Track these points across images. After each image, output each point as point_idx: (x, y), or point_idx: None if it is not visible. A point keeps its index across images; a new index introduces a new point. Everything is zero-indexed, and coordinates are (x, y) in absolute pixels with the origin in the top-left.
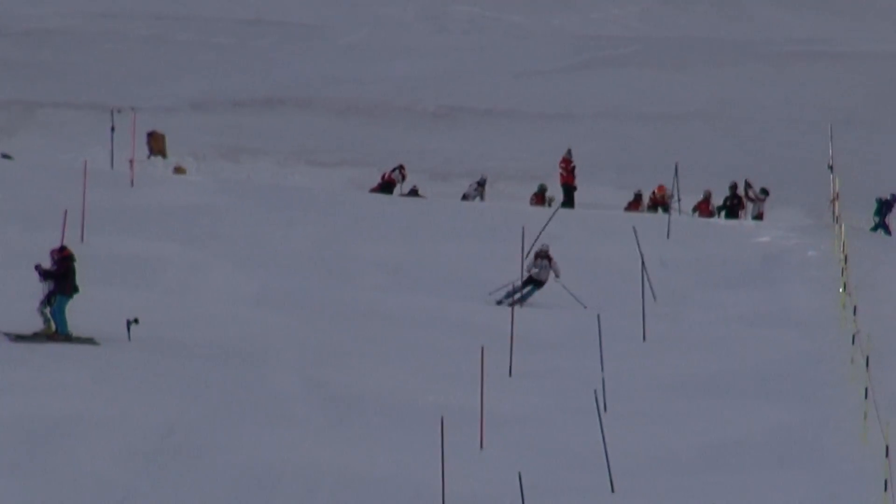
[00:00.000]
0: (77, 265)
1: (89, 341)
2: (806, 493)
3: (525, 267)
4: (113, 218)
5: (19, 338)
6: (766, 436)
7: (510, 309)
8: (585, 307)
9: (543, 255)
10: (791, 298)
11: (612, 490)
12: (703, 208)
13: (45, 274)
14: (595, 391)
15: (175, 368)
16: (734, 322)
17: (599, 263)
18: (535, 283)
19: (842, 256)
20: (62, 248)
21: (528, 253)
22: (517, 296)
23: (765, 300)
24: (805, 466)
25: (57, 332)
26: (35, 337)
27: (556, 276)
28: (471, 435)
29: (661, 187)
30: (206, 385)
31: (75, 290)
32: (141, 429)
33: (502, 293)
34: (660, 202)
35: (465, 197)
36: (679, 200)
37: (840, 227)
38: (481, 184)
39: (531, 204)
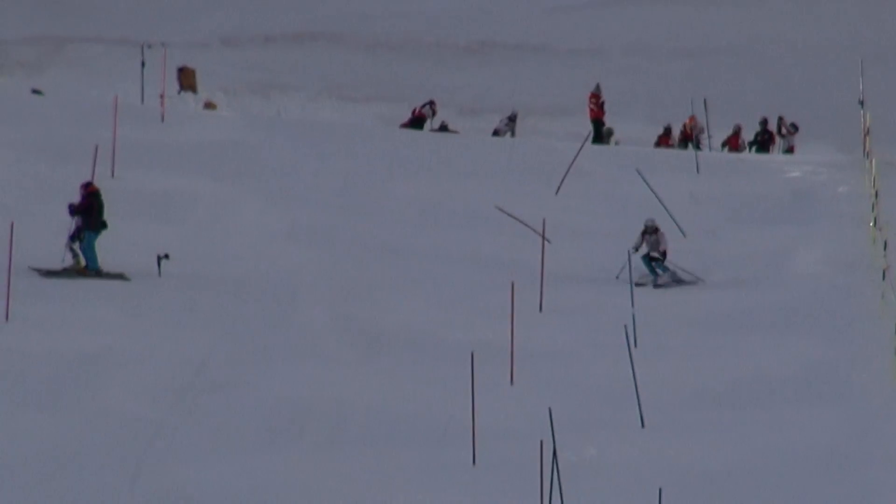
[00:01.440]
0: (104, 200)
1: (120, 277)
2: (835, 428)
3: (633, 247)
4: (143, 153)
5: (49, 273)
6: (795, 371)
7: (540, 244)
8: (702, 279)
9: (652, 231)
10: (821, 234)
11: (643, 425)
12: (733, 143)
13: (72, 209)
14: (625, 326)
15: (205, 304)
16: (764, 257)
17: (629, 199)
18: (658, 259)
19: (872, 192)
20: (87, 184)
21: (560, 186)
22: (664, 277)
23: (795, 235)
24: (835, 402)
25: (87, 268)
26: (65, 272)
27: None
28: (501, 370)
29: (691, 118)
30: (237, 320)
31: (103, 225)
32: (171, 364)
33: (647, 278)
34: (690, 136)
35: (496, 132)
36: (710, 137)
37: (871, 162)
38: (512, 119)
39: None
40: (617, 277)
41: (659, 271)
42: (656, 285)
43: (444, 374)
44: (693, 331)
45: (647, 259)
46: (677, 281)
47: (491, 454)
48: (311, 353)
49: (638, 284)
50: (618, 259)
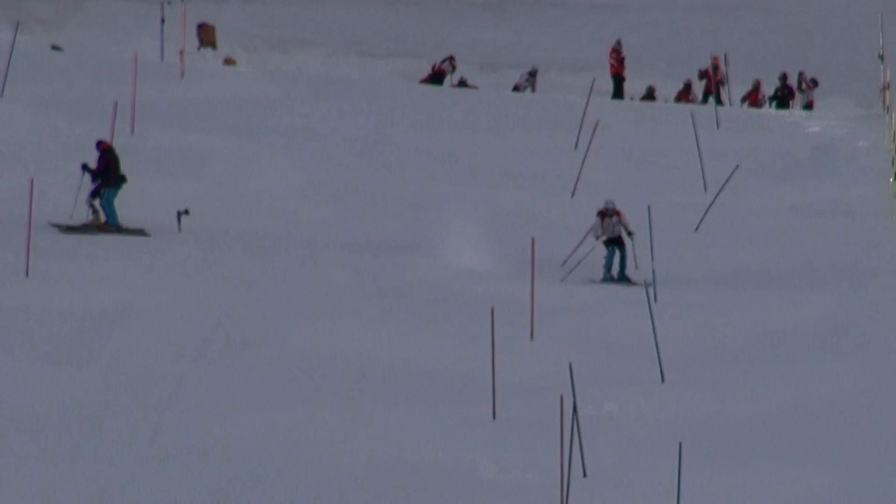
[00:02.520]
0: (119, 155)
1: (139, 233)
2: (855, 383)
3: (591, 232)
4: (163, 110)
5: (69, 229)
6: (815, 326)
7: (560, 199)
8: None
9: (610, 213)
10: (841, 188)
11: (663, 380)
12: (753, 98)
13: (92, 174)
14: (645, 281)
15: (225, 260)
16: (784, 212)
17: (649, 154)
18: (615, 243)
19: (892, 146)
20: (99, 143)
21: (577, 140)
22: (616, 269)
23: (815, 190)
24: (854, 356)
25: (107, 224)
26: (85, 228)
27: (628, 233)
28: (521, 325)
29: (715, 57)
30: (257, 276)
31: (122, 179)
32: (191, 319)
33: (601, 273)
34: (712, 78)
35: (516, 87)
36: (727, 83)
37: (890, 116)
38: (532, 74)
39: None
40: (563, 264)
41: (616, 268)
42: (605, 279)
43: (464, 330)
44: (713, 285)
45: (611, 246)
46: (626, 280)
47: (511, 409)
48: (330, 309)
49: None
50: (640, 213)
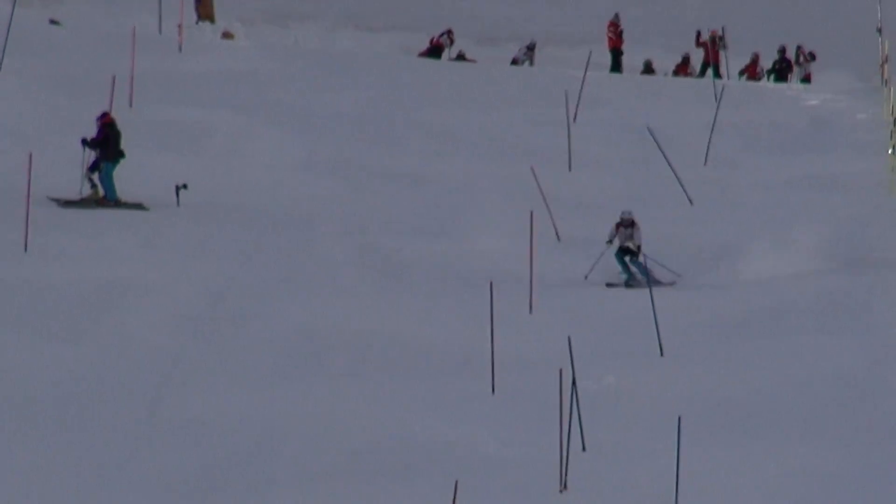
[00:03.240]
0: (120, 130)
1: (138, 207)
2: (853, 358)
3: (607, 240)
4: (161, 84)
5: (68, 203)
6: (813, 301)
7: (559, 173)
8: (679, 276)
9: (628, 224)
10: (839, 162)
11: (662, 354)
12: (751, 71)
13: (90, 144)
14: (644, 255)
15: (224, 234)
16: (782, 186)
17: (646, 128)
18: (633, 252)
19: (890, 120)
20: (102, 115)
21: (576, 114)
22: (639, 277)
23: (813, 164)
24: (852, 331)
25: (105, 198)
26: (83, 202)
27: (637, 246)
28: (520, 299)
29: (713, 31)
30: (256, 251)
31: (120, 154)
32: (190, 294)
33: (619, 278)
34: (708, 47)
35: (514, 61)
36: (727, 49)
37: (889, 90)
38: (531, 48)
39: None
40: (586, 278)
41: (633, 268)
42: (628, 285)
43: (463, 304)
44: (711, 260)
45: (620, 253)
46: (653, 281)
47: (510, 383)
48: (330, 284)
49: (609, 285)
50: (636, 187)
